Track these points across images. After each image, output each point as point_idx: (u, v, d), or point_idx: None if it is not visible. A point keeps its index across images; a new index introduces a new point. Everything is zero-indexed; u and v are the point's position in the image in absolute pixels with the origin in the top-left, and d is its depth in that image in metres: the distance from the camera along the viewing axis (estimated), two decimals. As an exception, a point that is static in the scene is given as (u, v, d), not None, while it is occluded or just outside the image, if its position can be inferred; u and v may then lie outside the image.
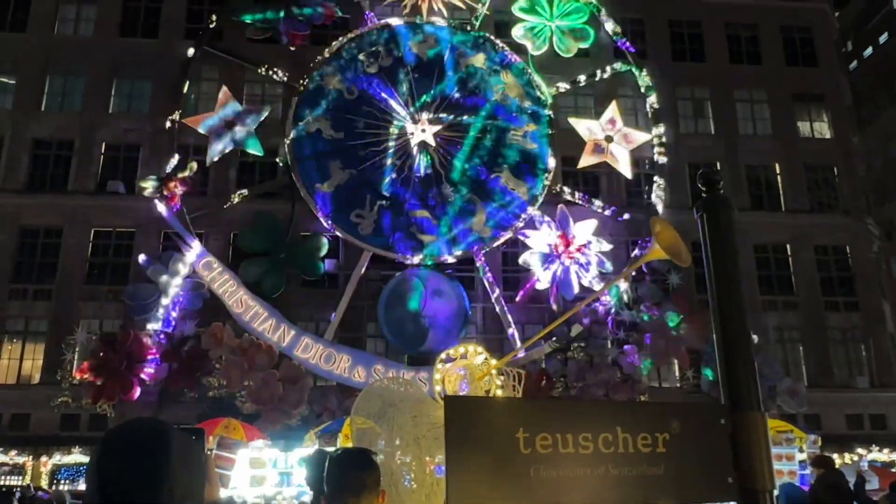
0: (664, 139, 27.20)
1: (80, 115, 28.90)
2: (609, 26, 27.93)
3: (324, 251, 24.68)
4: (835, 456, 20.63)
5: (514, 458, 1.75)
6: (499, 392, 8.46)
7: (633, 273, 23.40)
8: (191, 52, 26.63)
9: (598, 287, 23.54)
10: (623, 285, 23.88)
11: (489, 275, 25.37)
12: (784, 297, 29.75)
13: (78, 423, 24.64)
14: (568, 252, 24.50)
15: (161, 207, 24.02)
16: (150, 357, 22.17)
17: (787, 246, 30.49)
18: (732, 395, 1.94)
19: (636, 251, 25.88)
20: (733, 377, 1.94)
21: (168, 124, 25.85)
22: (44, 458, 24.05)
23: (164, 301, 23.08)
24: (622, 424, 1.87)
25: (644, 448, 1.87)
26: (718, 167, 30.75)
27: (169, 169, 24.56)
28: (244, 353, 22.29)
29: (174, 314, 23.07)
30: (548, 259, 24.61)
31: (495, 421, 1.78)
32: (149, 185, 23.98)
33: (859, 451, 24.78)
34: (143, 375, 22.05)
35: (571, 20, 27.39)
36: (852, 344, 30.07)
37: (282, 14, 25.50)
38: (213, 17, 26.88)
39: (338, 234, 25.21)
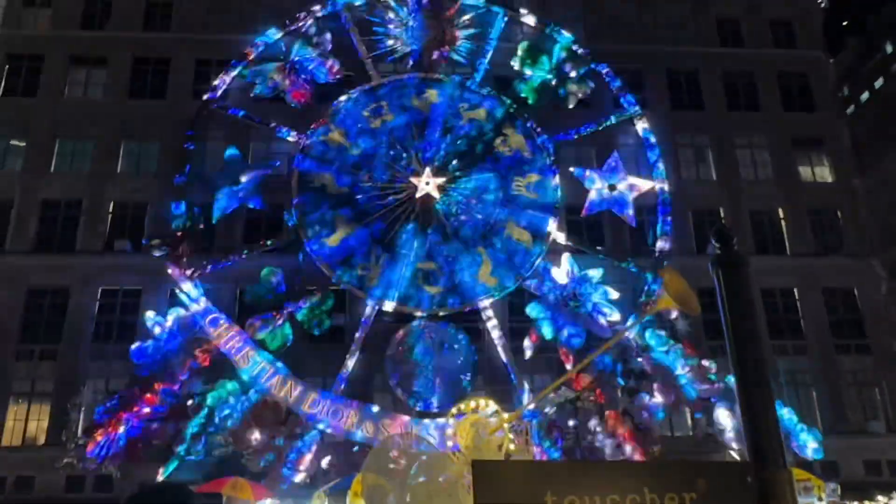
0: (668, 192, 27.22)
1: (89, 176, 29.30)
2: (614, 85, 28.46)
3: (330, 305, 24.64)
4: (855, 504, 20.24)
5: (543, 524, 1.73)
6: (511, 446, 8.37)
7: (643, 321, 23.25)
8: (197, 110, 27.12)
9: (604, 336, 23.39)
10: (631, 334, 23.72)
11: (495, 325, 25.30)
12: (794, 341, 29.51)
13: (83, 485, 24.33)
14: (574, 301, 24.44)
15: (172, 271, 24.10)
16: (157, 415, 21.96)
17: (795, 290, 30.37)
18: (758, 453, 1.92)
19: (643, 298, 25.75)
20: (757, 435, 1.93)
21: (175, 182, 26.13)
22: (48, 522, 23.66)
23: (173, 359, 22.96)
24: (649, 485, 1.85)
25: (672, 509, 1.85)
26: (721, 213, 30.91)
27: (176, 227, 24.73)
28: (251, 411, 22.11)
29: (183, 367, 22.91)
30: (554, 308, 24.54)
31: (523, 485, 1.76)
32: (157, 245, 24.15)
33: (880, 498, 24.24)
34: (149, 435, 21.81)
35: (571, 73, 27.90)
36: (865, 387, 29.70)
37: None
38: (220, 78, 27.44)
39: (344, 287, 25.25)
